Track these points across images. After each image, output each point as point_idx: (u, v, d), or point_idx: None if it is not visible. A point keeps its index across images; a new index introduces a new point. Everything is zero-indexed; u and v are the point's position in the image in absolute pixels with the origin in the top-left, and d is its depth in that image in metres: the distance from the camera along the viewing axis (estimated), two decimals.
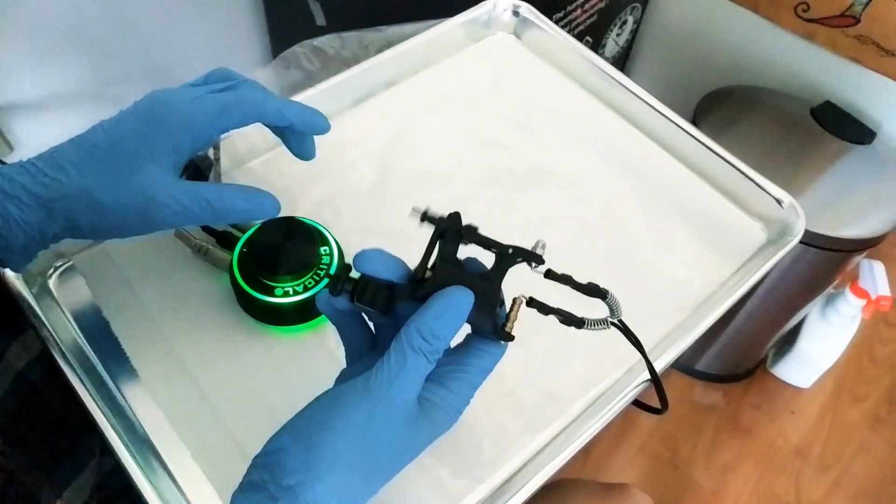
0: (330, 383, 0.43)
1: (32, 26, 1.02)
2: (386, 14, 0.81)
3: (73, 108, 1.16)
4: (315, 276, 0.55)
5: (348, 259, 0.57)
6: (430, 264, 0.40)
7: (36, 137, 1.14)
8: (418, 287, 0.39)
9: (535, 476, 0.49)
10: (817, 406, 1.37)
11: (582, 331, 0.41)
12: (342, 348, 0.45)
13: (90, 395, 0.50)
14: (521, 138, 0.70)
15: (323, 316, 0.56)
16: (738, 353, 1.33)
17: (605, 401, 0.53)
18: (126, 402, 0.51)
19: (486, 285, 0.39)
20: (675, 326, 0.59)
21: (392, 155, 0.68)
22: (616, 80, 0.72)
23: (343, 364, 0.45)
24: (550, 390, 0.55)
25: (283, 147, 0.55)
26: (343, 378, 0.42)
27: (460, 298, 0.37)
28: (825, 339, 1.28)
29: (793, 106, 1.13)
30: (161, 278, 0.58)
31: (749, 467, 1.29)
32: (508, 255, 0.40)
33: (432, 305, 0.37)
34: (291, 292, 0.54)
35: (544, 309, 0.40)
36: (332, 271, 0.55)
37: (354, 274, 0.41)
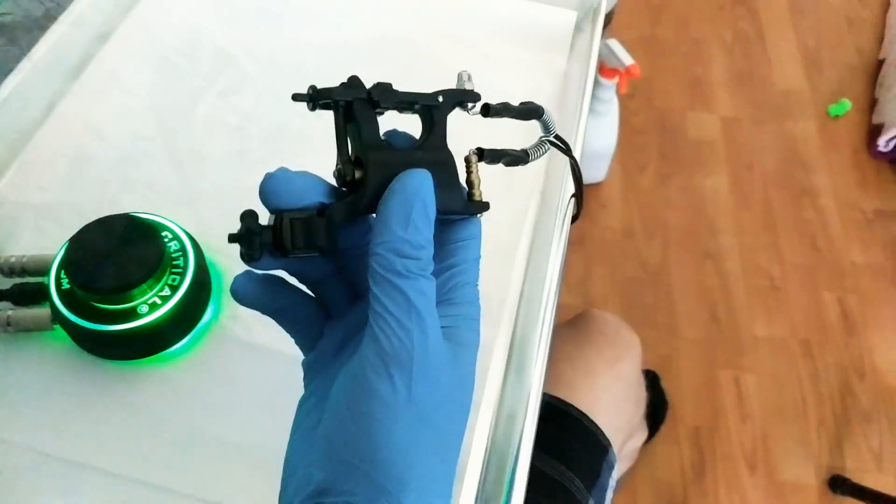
0: (270, 388, 0.34)
1: None
2: None
3: None
4: (175, 272, 0.42)
5: (201, 236, 0.45)
6: (351, 158, 0.29)
7: None
8: (356, 196, 0.28)
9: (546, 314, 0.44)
10: (617, 190, 1.49)
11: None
12: (263, 336, 0.32)
13: None
14: (293, 33, 0.60)
15: (207, 322, 0.44)
16: None
17: (549, 230, 0.49)
18: None
19: (433, 155, 0.29)
20: None
21: (161, 106, 0.54)
22: None
23: (286, 355, 0.33)
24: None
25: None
26: (317, 370, 0.31)
27: (419, 185, 0.27)
28: (600, 129, 1.37)
29: None
30: None
31: (601, 270, 1.38)
32: (440, 106, 0.30)
33: (392, 209, 0.27)
34: (159, 301, 0.41)
35: (495, 156, 0.33)
36: (190, 259, 0.43)
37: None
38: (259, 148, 0.53)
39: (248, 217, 0.27)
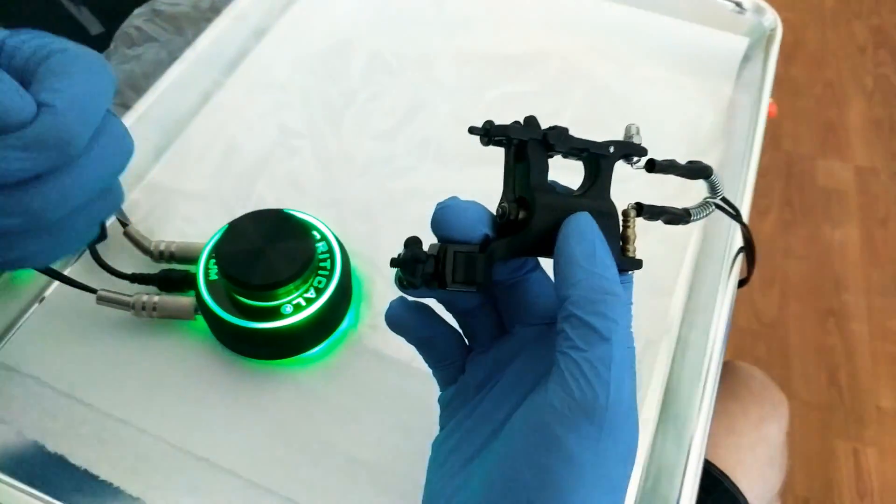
0: (405, 406, 0.34)
1: None
2: None
3: None
4: (322, 274, 0.41)
5: (350, 242, 0.44)
6: (515, 196, 0.29)
7: None
8: (520, 236, 0.27)
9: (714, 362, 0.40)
10: None
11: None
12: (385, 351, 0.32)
13: None
14: (444, 41, 0.58)
15: (345, 329, 0.43)
16: None
17: (713, 287, 0.45)
18: None
19: (596, 204, 0.28)
20: (718, 165, 0.51)
21: (311, 104, 0.53)
22: None
23: (423, 372, 0.32)
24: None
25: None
26: (457, 406, 0.30)
27: (593, 226, 0.27)
28: None
29: None
30: (108, 367, 0.41)
31: None
32: (609, 156, 0.29)
33: (577, 248, 0.26)
34: (304, 303, 0.39)
35: (655, 213, 0.32)
36: (337, 261, 0.41)
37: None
38: (405, 156, 0.51)
39: (414, 244, 0.27)
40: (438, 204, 0.27)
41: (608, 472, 0.24)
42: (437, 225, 0.27)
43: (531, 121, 0.28)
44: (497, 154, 0.29)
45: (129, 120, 0.48)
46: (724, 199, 0.37)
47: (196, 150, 0.50)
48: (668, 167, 0.32)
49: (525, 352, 0.29)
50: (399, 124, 0.52)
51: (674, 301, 0.45)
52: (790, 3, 1.76)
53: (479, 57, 0.57)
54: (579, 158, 0.30)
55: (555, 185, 0.30)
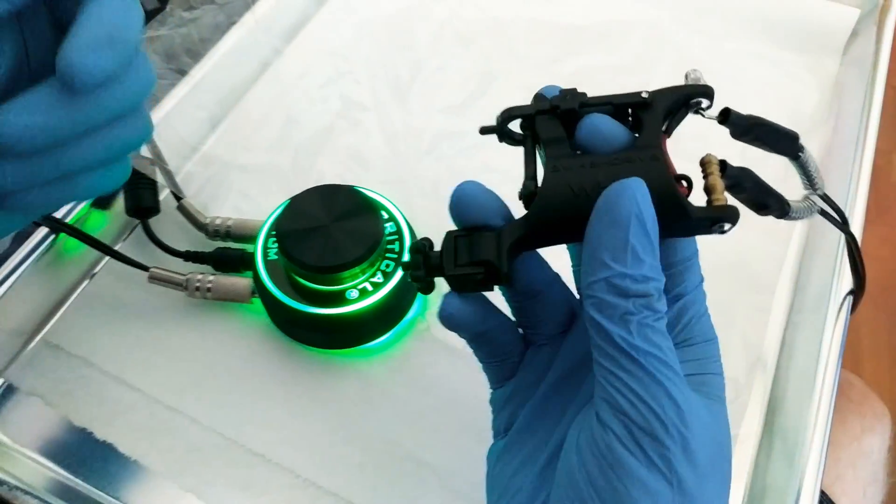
0: (477, 405, 0.29)
1: None
2: None
3: None
4: (389, 257, 0.37)
5: (417, 223, 0.40)
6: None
7: None
8: (527, 215, 0.24)
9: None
10: None
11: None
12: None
13: None
14: (518, 9, 0.54)
15: (412, 318, 0.39)
16: None
17: (824, 285, 0.40)
18: None
19: (640, 160, 0.23)
20: (826, 150, 0.46)
21: (376, 75, 0.49)
22: None
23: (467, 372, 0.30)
24: (745, 270, 0.41)
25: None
26: (518, 404, 0.27)
27: (630, 198, 0.21)
28: None
29: None
30: (159, 350, 0.38)
31: None
32: (648, 104, 0.24)
33: (600, 235, 0.21)
34: (370, 288, 0.36)
35: (741, 182, 0.25)
36: (405, 244, 0.37)
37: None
38: (476, 132, 0.47)
39: (423, 240, 0.25)
40: (456, 187, 0.25)
41: (690, 493, 0.20)
42: (451, 206, 0.25)
43: (539, 95, 0.25)
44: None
45: (184, 88, 0.45)
46: (825, 198, 0.29)
47: (253, 122, 0.47)
48: (748, 125, 0.25)
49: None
50: (470, 98, 0.48)
51: (776, 300, 0.40)
52: None
53: (555, 26, 0.52)
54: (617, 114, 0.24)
55: (597, 136, 0.24)
